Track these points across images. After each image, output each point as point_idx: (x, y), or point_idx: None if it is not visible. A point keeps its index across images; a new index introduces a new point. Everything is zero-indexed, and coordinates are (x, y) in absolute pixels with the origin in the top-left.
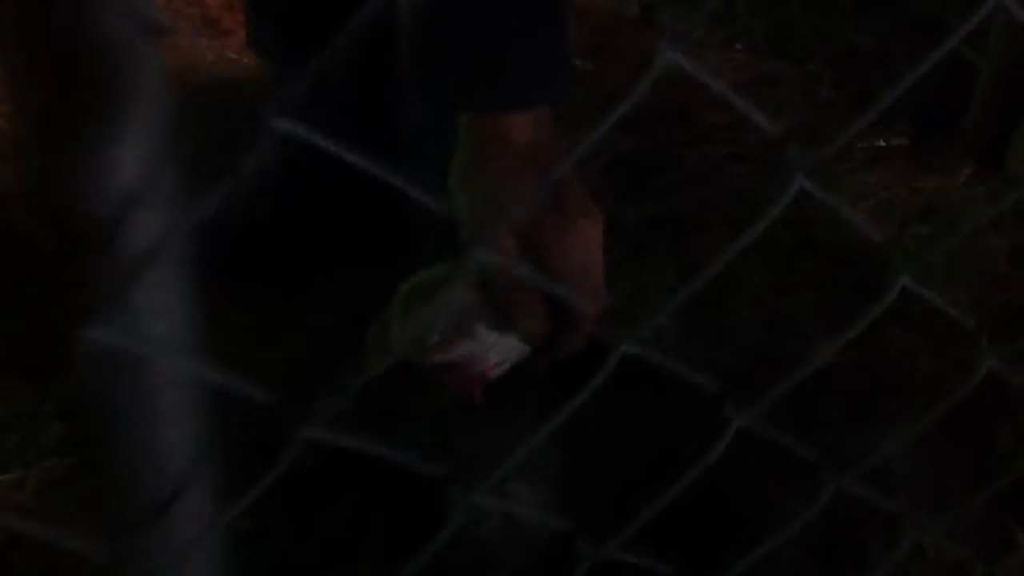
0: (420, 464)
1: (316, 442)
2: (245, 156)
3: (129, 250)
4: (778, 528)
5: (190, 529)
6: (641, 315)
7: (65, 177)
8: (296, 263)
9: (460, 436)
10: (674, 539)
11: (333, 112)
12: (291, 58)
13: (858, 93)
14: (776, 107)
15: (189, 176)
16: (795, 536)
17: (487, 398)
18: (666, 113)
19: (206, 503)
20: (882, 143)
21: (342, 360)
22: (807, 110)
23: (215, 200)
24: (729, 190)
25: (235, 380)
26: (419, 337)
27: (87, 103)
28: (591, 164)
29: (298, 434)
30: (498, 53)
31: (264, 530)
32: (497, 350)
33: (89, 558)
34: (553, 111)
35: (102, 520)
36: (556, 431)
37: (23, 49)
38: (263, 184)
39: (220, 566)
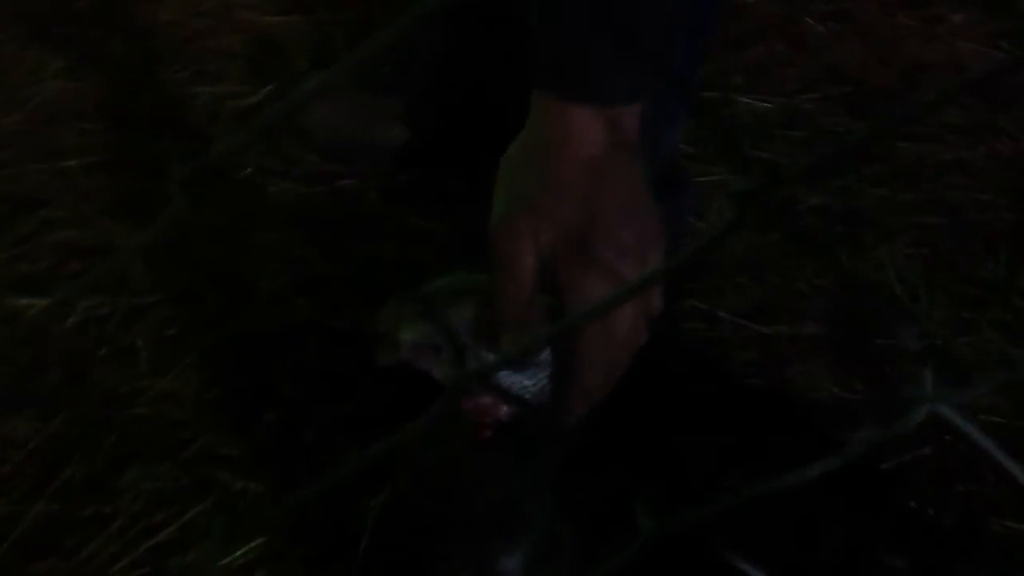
0: None
1: None
2: None
3: None
4: None
5: None
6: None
7: None
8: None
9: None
10: None
11: None
12: None
13: None
14: None
15: None
16: None
17: (492, 440)
18: None
19: None
20: None
21: None
22: None
23: None
24: (934, 198)
25: None
26: (430, 345)
27: None
28: None
29: None
30: (607, 35)
31: None
32: (509, 384)
33: None
34: (641, 119)
35: None
36: None
37: None
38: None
39: None
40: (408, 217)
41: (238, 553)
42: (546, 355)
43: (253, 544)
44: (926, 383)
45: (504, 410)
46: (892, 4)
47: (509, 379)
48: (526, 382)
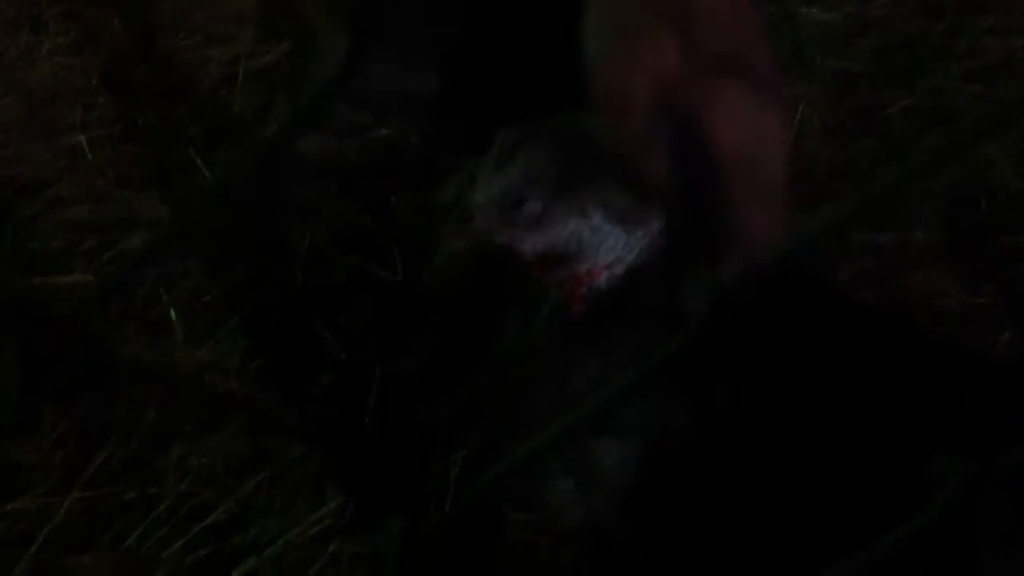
0: None
1: None
2: None
3: None
4: None
5: None
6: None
7: None
8: None
9: (546, 357)
10: None
11: None
12: None
13: None
14: None
15: None
16: None
17: (588, 312)
18: None
19: None
20: None
21: None
22: None
23: None
24: None
25: None
26: (511, 199)
27: None
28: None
29: None
30: None
31: None
32: (610, 244)
33: None
34: None
35: None
36: None
37: None
38: None
39: None
40: (448, 163)
41: (311, 520)
42: (656, 208)
43: (325, 510)
44: None
45: (603, 276)
46: None
47: (611, 238)
48: (631, 241)
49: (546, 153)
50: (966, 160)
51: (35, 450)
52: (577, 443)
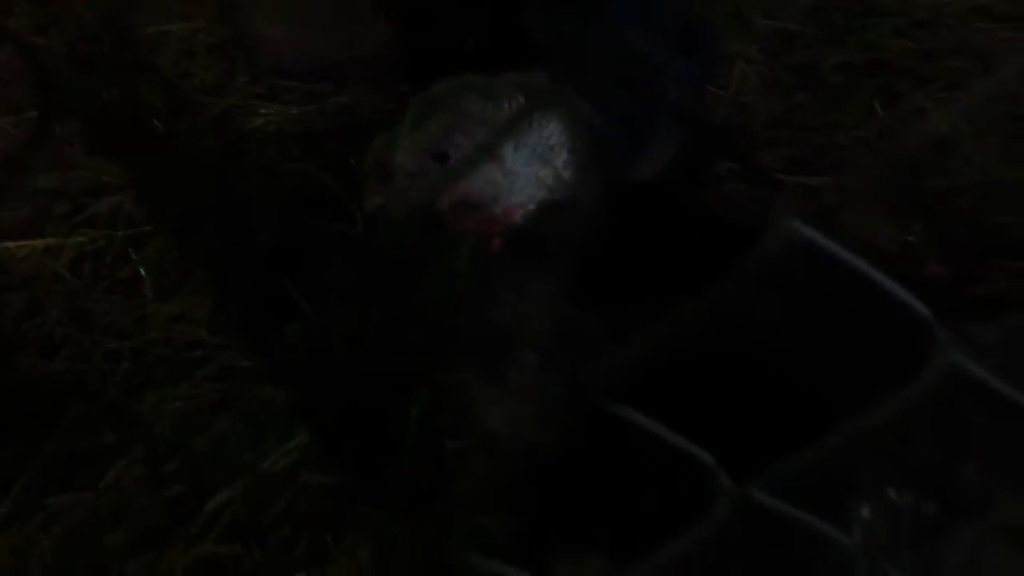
0: None
1: None
2: None
3: None
4: None
5: None
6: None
7: None
8: None
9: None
10: None
11: None
12: None
13: None
14: None
15: None
16: None
17: (506, 248)
18: None
19: None
20: None
21: None
22: None
23: None
24: (961, 44)
25: None
26: (431, 150)
27: None
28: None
29: None
30: None
31: None
32: (522, 185)
33: None
34: None
35: None
36: None
37: None
38: None
39: None
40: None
41: (280, 453)
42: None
43: (293, 444)
44: None
45: (518, 214)
46: None
47: (522, 179)
48: (541, 179)
49: (456, 107)
50: (897, 108)
51: (11, 405)
52: (503, 368)
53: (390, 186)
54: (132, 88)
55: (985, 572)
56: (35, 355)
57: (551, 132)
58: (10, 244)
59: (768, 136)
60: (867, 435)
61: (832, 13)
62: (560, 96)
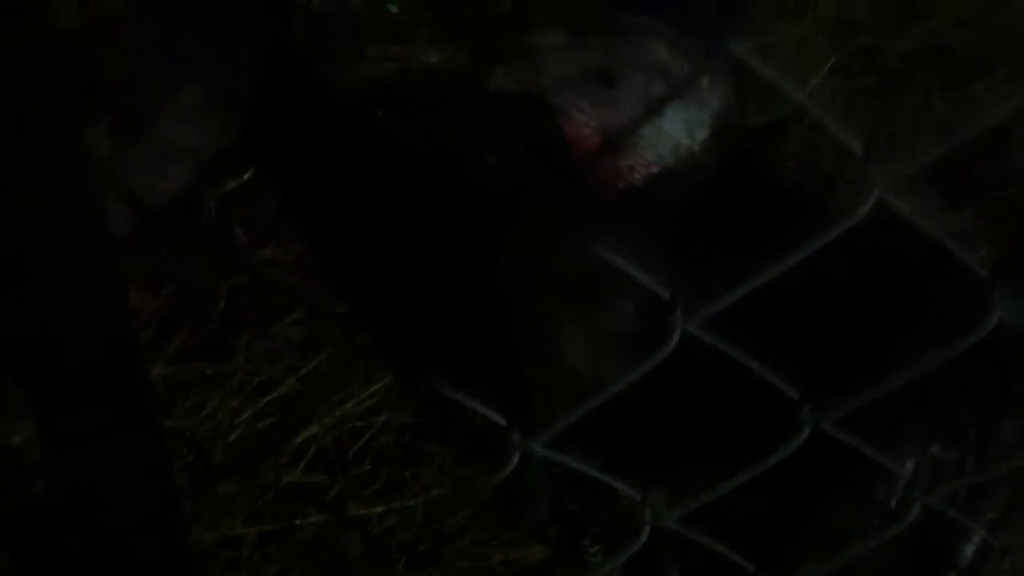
0: None
1: None
2: None
3: None
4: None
5: None
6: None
7: None
8: None
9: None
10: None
11: None
12: None
13: None
14: None
15: None
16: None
17: (619, 203)
18: None
19: None
20: None
21: None
22: None
23: None
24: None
25: None
26: (595, 70)
27: None
28: None
29: None
30: None
31: None
32: (662, 146)
33: None
34: None
35: None
36: None
37: None
38: None
39: None
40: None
41: (364, 395)
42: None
43: (377, 387)
44: None
45: (642, 174)
46: None
47: (667, 140)
48: (680, 148)
49: (631, 37)
50: (957, 97)
51: None
52: (592, 312)
53: (531, 79)
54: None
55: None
56: (141, 288)
57: (709, 107)
58: None
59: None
60: (914, 389)
61: (895, 1)
62: (729, 71)
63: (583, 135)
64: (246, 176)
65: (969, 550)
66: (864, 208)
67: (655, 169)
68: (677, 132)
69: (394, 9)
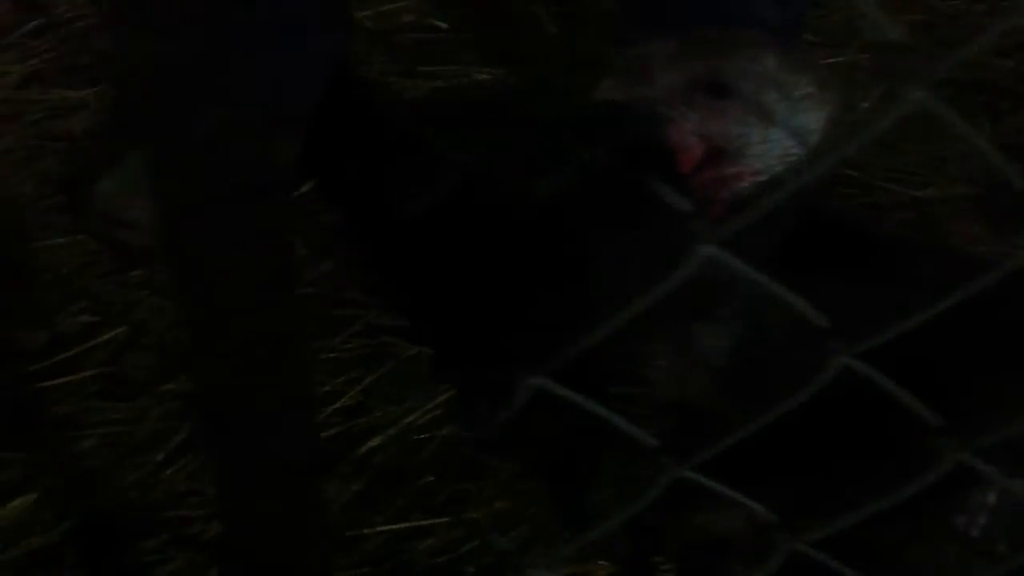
0: None
1: None
2: None
3: None
4: None
5: None
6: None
7: None
8: None
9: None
10: None
11: None
12: None
13: None
14: None
15: None
16: None
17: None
18: None
19: None
20: None
21: None
22: None
23: None
24: None
25: None
26: (705, 80)
27: None
28: None
29: None
30: None
31: None
32: (771, 154)
33: None
34: None
35: None
36: None
37: None
38: None
39: None
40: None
41: (427, 407)
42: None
43: (438, 400)
44: None
45: (748, 181)
46: None
47: (775, 148)
48: (787, 154)
49: (745, 46)
50: (999, 126)
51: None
52: (678, 326)
53: (637, 87)
54: None
55: None
56: None
57: (819, 116)
58: None
59: (875, 145)
60: (995, 422)
61: (941, 30)
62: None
63: (689, 144)
64: (305, 189)
65: None
66: None
67: (763, 178)
68: (787, 141)
69: (443, 25)
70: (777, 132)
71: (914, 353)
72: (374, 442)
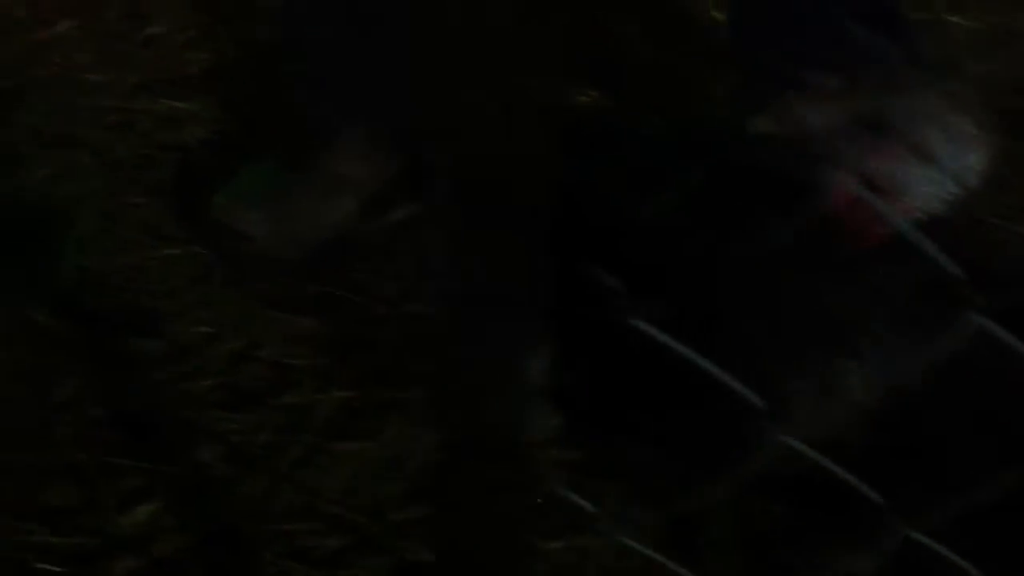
0: None
1: None
2: None
3: None
4: None
5: None
6: None
7: None
8: None
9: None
10: None
11: None
12: None
13: None
14: None
15: None
16: None
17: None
18: None
19: None
20: None
21: None
22: None
23: None
24: None
25: None
26: (871, 120)
27: None
28: None
29: None
30: None
31: None
32: (929, 192)
33: None
34: None
35: None
36: None
37: None
38: None
39: None
40: None
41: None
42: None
43: (551, 423)
44: None
45: (907, 214)
46: None
47: (929, 187)
48: (940, 195)
49: (915, 93)
50: None
51: (301, 355)
52: (825, 361)
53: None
54: None
55: None
56: (312, 316)
57: (980, 158)
58: None
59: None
60: None
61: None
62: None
63: (846, 181)
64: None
65: None
66: None
67: (920, 215)
68: (947, 180)
69: None
70: (936, 171)
71: None
72: None
